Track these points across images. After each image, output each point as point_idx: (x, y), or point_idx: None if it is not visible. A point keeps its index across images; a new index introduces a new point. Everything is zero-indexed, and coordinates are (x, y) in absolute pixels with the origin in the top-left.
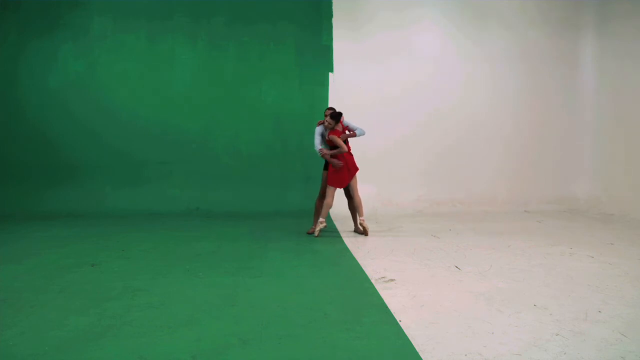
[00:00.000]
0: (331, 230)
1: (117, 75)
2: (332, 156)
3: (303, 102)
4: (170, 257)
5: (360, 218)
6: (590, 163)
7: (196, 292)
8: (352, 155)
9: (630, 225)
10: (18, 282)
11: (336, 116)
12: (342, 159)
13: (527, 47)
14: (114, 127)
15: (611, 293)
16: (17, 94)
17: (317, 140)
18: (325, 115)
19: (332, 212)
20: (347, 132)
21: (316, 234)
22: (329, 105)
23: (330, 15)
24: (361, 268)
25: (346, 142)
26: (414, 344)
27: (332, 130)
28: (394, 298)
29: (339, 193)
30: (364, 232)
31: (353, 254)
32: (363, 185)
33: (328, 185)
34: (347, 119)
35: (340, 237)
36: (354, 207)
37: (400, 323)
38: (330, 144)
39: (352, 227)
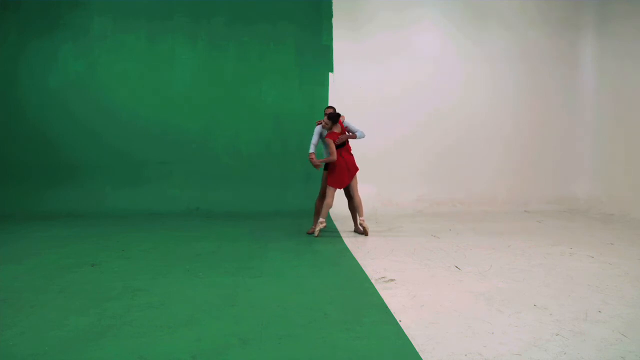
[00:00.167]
0: (331, 230)
1: (117, 75)
2: (323, 163)
3: (303, 102)
4: (170, 257)
5: (360, 218)
6: (590, 163)
7: (196, 292)
8: (352, 155)
9: (630, 225)
10: (18, 282)
11: (334, 117)
12: (341, 159)
13: (527, 47)
14: (114, 127)
15: (611, 293)
16: (17, 94)
17: (315, 139)
18: (325, 114)
19: (332, 212)
20: (347, 133)
21: (316, 234)
22: (330, 105)
23: (330, 15)
24: (361, 268)
25: (346, 142)
26: (414, 344)
27: (331, 130)
28: (394, 298)
29: (339, 193)
30: (364, 232)
31: (353, 254)
32: (363, 185)
33: (328, 186)
34: (347, 119)
35: (340, 237)
36: (354, 207)
37: (400, 323)
38: (335, 144)
39: (352, 227)
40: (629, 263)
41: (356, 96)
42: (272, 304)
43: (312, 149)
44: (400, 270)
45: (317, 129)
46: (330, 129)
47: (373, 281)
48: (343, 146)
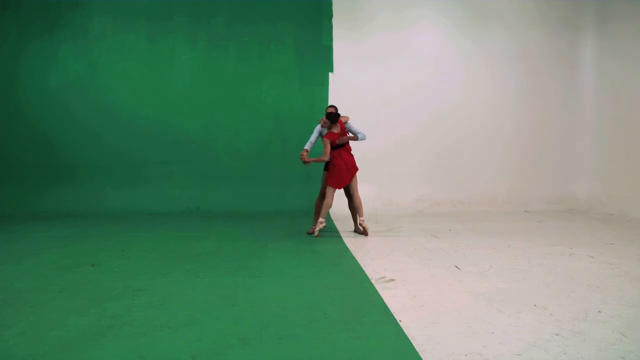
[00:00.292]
0: (331, 230)
1: (117, 75)
2: (313, 162)
3: (303, 102)
4: (170, 257)
5: (360, 218)
6: (590, 163)
7: (196, 292)
8: (352, 155)
9: (630, 225)
10: (18, 282)
11: (332, 116)
12: (341, 159)
13: (527, 47)
14: (114, 127)
15: (611, 293)
16: (17, 94)
17: (312, 137)
18: (338, 114)
19: (332, 212)
20: (348, 134)
21: (316, 234)
22: (330, 105)
23: (330, 15)
24: (361, 268)
25: (346, 142)
26: (414, 344)
27: (330, 130)
28: (394, 298)
29: (340, 193)
30: (364, 232)
31: (353, 254)
32: (363, 185)
33: (328, 186)
34: (349, 120)
35: (340, 237)
36: (354, 207)
37: (400, 323)
38: (332, 143)
39: (352, 227)
40: (629, 263)
41: (356, 96)
42: (272, 304)
43: (307, 146)
44: (400, 270)
45: (318, 128)
46: (329, 128)
47: (373, 281)
48: (342, 146)
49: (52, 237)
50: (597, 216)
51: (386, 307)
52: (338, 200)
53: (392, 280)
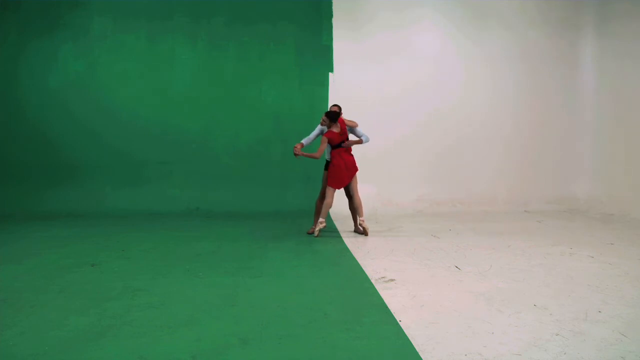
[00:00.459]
0: (331, 230)
1: (117, 75)
2: (304, 156)
3: (303, 102)
4: (170, 257)
5: (360, 218)
6: (590, 163)
7: (196, 292)
8: (352, 156)
9: (630, 225)
10: (18, 282)
11: (332, 114)
12: (340, 159)
13: (527, 47)
14: (114, 127)
15: (611, 293)
16: (17, 94)
17: (312, 134)
18: (339, 112)
19: (332, 212)
20: (347, 133)
21: (316, 234)
22: (331, 104)
23: (330, 15)
24: (361, 268)
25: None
26: (414, 344)
27: (329, 129)
28: (394, 298)
29: (340, 193)
30: (364, 232)
31: (353, 254)
32: (363, 185)
33: (327, 186)
34: (357, 127)
35: (340, 237)
36: (354, 208)
37: (400, 323)
38: (333, 143)
39: (352, 227)
40: (629, 263)
41: (356, 96)
42: (272, 304)
43: (303, 140)
44: (400, 270)
45: (319, 126)
46: (329, 127)
47: (373, 281)
48: (342, 146)
49: (52, 237)
50: (597, 216)
51: (386, 307)
52: (338, 200)
53: (392, 280)
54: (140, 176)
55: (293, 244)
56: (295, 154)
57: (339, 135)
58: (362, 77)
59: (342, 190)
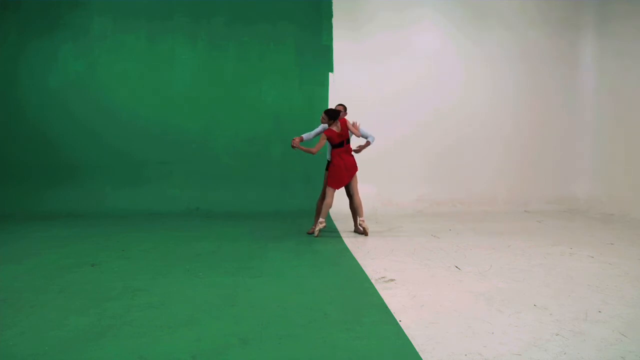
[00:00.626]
0: (331, 230)
1: (117, 75)
2: (300, 150)
3: (303, 102)
4: (170, 257)
5: (360, 218)
6: (590, 163)
7: (196, 292)
8: (352, 156)
9: (630, 225)
10: (18, 282)
11: (331, 112)
12: (340, 159)
13: (527, 47)
14: (114, 127)
15: (611, 293)
16: (17, 94)
17: (313, 132)
18: (339, 111)
19: (332, 212)
20: (349, 134)
21: (316, 234)
22: (331, 104)
23: (330, 15)
24: (361, 268)
25: (346, 143)
26: (414, 344)
27: (330, 127)
28: (394, 298)
29: (341, 193)
30: (364, 233)
31: (353, 254)
32: (363, 185)
33: (327, 186)
34: (351, 120)
35: (340, 237)
36: (354, 208)
37: (400, 323)
38: (332, 142)
39: (352, 227)
40: (629, 263)
41: (356, 96)
42: (272, 304)
43: (304, 135)
44: (400, 270)
45: (322, 125)
46: (329, 124)
47: (373, 281)
48: (342, 146)
49: (52, 237)
50: (597, 216)
51: (386, 307)
52: (338, 200)
53: (392, 280)
54: (140, 176)
55: (293, 244)
56: (293, 146)
57: (338, 135)
58: (362, 77)
59: (342, 190)
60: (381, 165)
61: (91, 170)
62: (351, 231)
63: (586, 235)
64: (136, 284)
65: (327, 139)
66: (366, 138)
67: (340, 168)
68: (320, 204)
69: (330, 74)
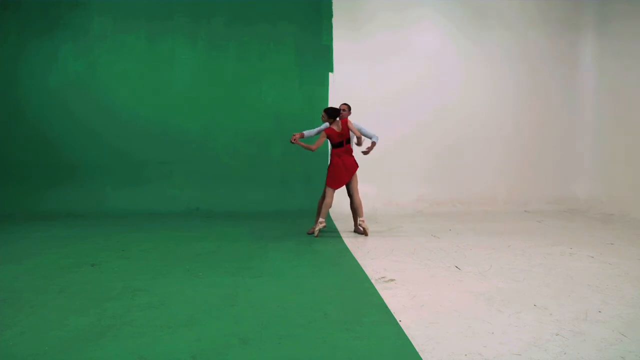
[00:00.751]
0: (331, 230)
1: (117, 75)
2: (300, 145)
3: (303, 102)
4: (170, 257)
5: (360, 218)
6: (590, 163)
7: (196, 292)
8: (352, 157)
9: (630, 225)
10: (18, 282)
11: (330, 110)
12: (339, 160)
13: (527, 47)
14: (114, 127)
15: (611, 293)
16: (17, 94)
17: (315, 130)
18: (343, 110)
19: (332, 212)
20: (350, 135)
21: (316, 234)
22: (331, 104)
23: (330, 15)
24: (361, 268)
25: (346, 143)
26: (414, 344)
27: (330, 126)
28: (394, 298)
29: (342, 193)
30: (364, 233)
31: (353, 254)
32: (363, 185)
33: (327, 186)
34: (352, 120)
35: (340, 237)
36: (354, 207)
37: (400, 323)
38: (332, 141)
39: (352, 227)
40: (629, 263)
41: (356, 96)
42: (272, 304)
43: (304, 132)
44: (400, 270)
45: (325, 124)
46: (329, 123)
47: (373, 281)
48: (341, 146)
49: (52, 237)
50: (597, 216)
51: (386, 307)
52: (338, 200)
53: (392, 280)
54: (140, 176)
55: (293, 244)
56: (292, 140)
57: (338, 134)
58: (362, 77)
59: (343, 190)
60: (381, 165)
61: (91, 170)
62: (351, 231)
63: (586, 235)
64: (136, 284)
65: (327, 138)
66: (370, 138)
67: (339, 168)
68: (321, 204)
69: (330, 74)
